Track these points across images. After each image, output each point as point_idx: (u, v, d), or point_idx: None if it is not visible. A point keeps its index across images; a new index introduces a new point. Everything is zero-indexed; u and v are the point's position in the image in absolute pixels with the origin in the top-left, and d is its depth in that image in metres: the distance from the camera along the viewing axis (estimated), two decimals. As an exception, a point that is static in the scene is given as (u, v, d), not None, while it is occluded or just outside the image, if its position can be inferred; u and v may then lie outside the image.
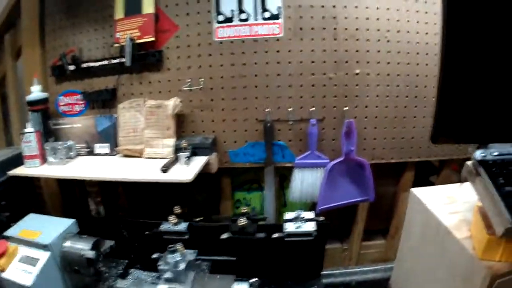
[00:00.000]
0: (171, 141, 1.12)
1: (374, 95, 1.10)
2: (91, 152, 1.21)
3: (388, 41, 1.07)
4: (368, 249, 1.31)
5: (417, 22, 1.07)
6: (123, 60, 1.12)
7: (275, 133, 1.13)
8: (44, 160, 1.12)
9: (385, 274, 1.24)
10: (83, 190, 1.36)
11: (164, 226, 0.99)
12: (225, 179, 1.22)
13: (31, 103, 1.16)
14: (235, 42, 1.09)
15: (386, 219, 1.28)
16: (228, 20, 1.09)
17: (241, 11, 1.08)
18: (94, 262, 0.89)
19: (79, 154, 1.20)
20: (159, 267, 0.84)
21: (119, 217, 1.28)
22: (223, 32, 1.09)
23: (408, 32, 1.07)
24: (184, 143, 1.06)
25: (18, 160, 1.11)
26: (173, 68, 1.14)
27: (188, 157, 1.04)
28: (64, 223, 0.94)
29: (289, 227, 0.93)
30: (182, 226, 0.98)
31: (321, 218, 0.97)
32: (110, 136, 1.19)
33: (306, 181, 1.13)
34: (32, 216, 1.00)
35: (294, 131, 1.13)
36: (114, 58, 1.16)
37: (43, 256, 0.87)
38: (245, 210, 0.99)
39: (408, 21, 1.07)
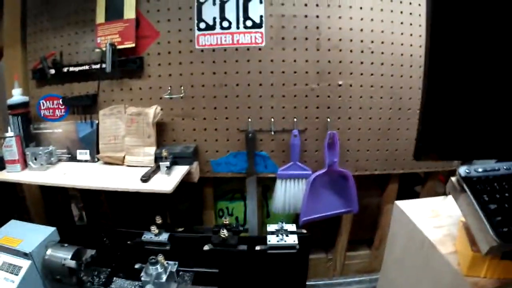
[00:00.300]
0: (152, 150, 1.17)
1: (357, 107, 1.16)
2: (72, 158, 1.27)
3: (372, 52, 1.12)
4: (353, 260, 1.39)
5: (402, 33, 1.12)
6: (104, 65, 1.18)
7: (257, 143, 1.19)
8: (25, 165, 1.19)
9: (370, 285, 1.33)
10: (65, 195, 1.44)
11: (146, 236, 1.04)
12: (207, 188, 1.28)
13: (12, 107, 1.22)
14: (217, 50, 1.14)
15: (371, 229, 1.36)
16: (210, 27, 1.14)
17: (223, 19, 1.13)
18: (75, 271, 0.95)
19: (60, 160, 1.27)
20: (142, 279, 0.89)
21: (101, 225, 1.35)
22: (204, 40, 1.15)
23: (392, 43, 1.12)
24: (164, 152, 1.10)
25: (0, 164, 1.18)
26: (154, 75, 1.19)
27: (169, 167, 1.08)
28: (45, 231, 1.00)
29: (272, 240, 0.99)
30: (163, 237, 1.04)
31: (304, 231, 1.03)
32: (91, 142, 1.25)
33: (289, 192, 1.20)
34: (13, 223, 1.06)
35: (277, 142, 1.19)
36: (95, 64, 1.20)
37: (24, 264, 0.92)
38: (227, 222, 1.05)
39: (392, 32, 1.11)
